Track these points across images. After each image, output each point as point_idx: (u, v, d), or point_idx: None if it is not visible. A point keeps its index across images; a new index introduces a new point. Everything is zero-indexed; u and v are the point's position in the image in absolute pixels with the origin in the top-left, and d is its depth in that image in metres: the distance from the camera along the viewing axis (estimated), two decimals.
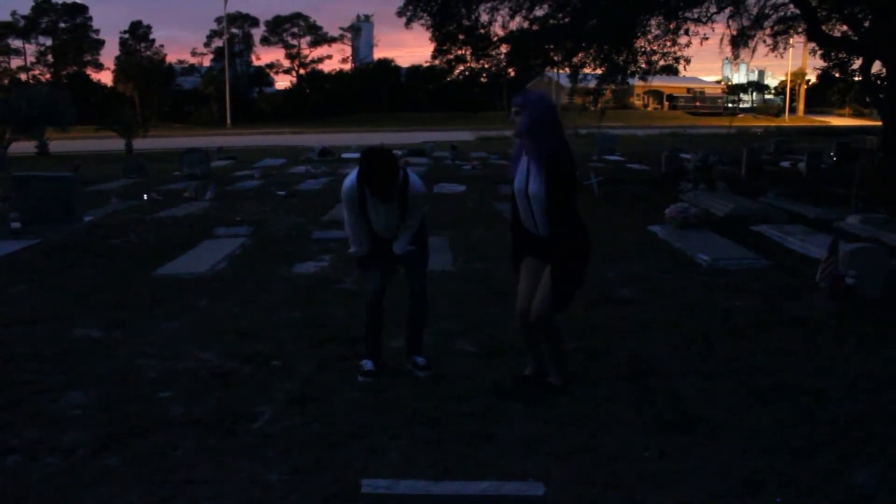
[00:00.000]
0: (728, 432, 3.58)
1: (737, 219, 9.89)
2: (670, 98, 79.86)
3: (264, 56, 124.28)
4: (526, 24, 17.83)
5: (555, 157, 3.74)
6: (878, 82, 21.34)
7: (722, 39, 19.59)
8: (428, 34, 18.44)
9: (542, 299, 3.95)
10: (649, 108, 78.44)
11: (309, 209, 11.65)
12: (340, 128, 52.76)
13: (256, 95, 76.21)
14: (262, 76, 78.92)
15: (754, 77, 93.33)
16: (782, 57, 25.35)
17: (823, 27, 18.13)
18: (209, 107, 67.73)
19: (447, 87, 61.79)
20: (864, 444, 3.44)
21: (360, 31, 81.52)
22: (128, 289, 6.62)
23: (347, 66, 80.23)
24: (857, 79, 25.51)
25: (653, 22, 17.69)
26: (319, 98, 72.40)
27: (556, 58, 19.13)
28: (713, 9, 17.70)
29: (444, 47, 18.79)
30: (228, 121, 61.19)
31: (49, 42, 71.64)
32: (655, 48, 18.42)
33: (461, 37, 18.32)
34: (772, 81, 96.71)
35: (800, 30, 19.93)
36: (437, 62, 20.01)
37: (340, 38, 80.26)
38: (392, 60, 78.60)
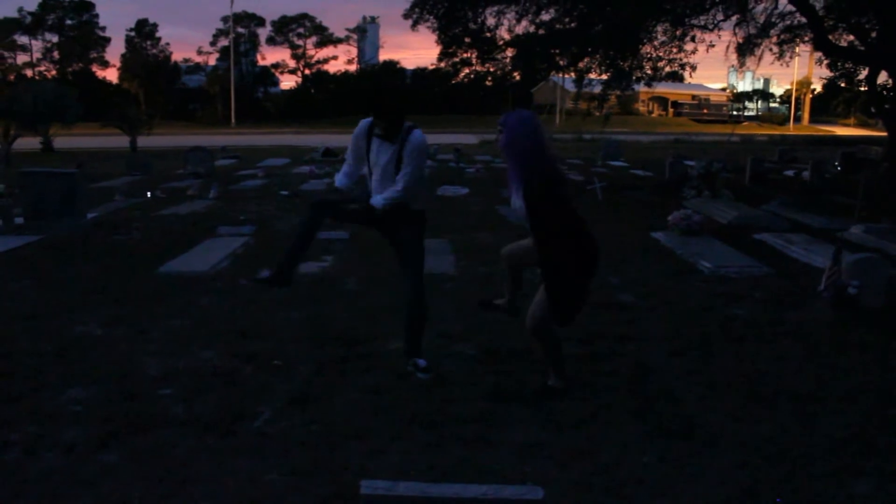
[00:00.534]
0: (728, 439, 3.58)
1: (740, 226, 9.89)
2: (675, 105, 79.83)
3: (270, 56, 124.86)
4: (532, 29, 17.84)
5: (529, 176, 3.86)
6: (884, 93, 21.31)
7: (728, 47, 19.53)
8: (434, 37, 18.48)
9: (535, 307, 4.00)
10: (654, 115, 78.39)
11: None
12: (344, 128, 52.73)
13: (261, 95, 76.27)
14: (268, 76, 78.95)
15: (760, 85, 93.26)
16: (788, 66, 25.50)
17: (830, 36, 18.10)
18: (214, 106, 67.77)
19: (452, 90, 61.93)
20: (864, 454, 3.44)
21: (366, 32, 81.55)
22: (130, 286, 6.63)
23: (353, 68, 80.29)
24: (862, 89, 25.50)
25: (659, 28, 17.69)
26: (324, 99, 72.45)
27: (561, 62, 19.12)
28: (720, 16, 17.70)
29: (450, 50, 18.81)
30: (233, 120, 61.30)
31: (55, 39, 71.79)
32: (661, 54, 18.43)
33: (467, 40, 18.34)
34: (777, 90, 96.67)
35: (806, 39, 19.88)
36: (442, 65, 20.03)
37: (346, 40, 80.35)
38: (398, 62, 78.87)
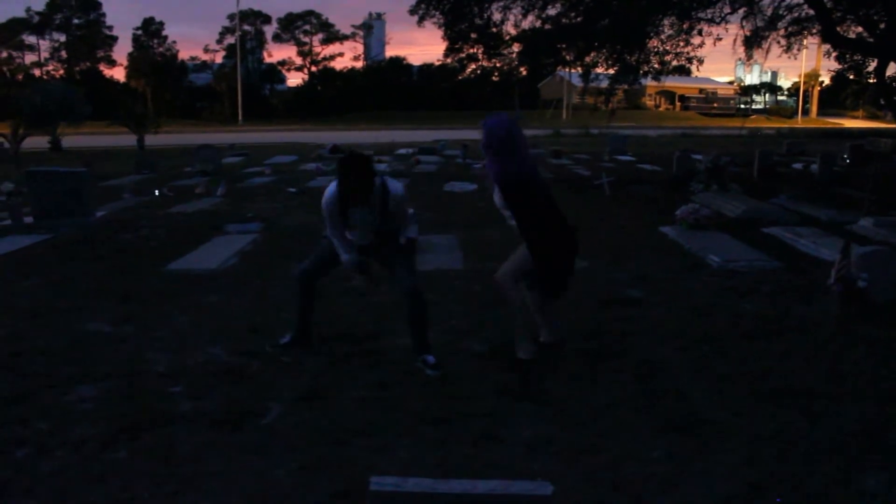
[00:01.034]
0: (736, 435, 3.57)
1: (748, 220, 9.84)
2: (682, 98, 79.55)
3: (276, 53, 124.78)
4: (538, 24, 17.80)
5: (505, 174, 4.27)
6: (893, 84, 21.18)
7: (735, 40, 19.51)
8: (440, 32, 18.44)
9: (507, 264, 4.53)
10: (661, 109, 78.15)
11: (319, 206, 11.62)
12: (352, 125, 52.82)
13: (268, 92, 76.41)
14: (274, 73, 79.10)
15: (767, 78, 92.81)
16: (796, 58, 25.38)
17: (838, 28, 17.97)
18: (221, 103, 67.97)
19: (459, 86, 61.83)
20: (873, 451, 3.42)
21: (372, 28, 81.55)
22: (138, 284, 6.65)
23: (359, 64, 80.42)
24: (871, 81, 25.33)
25: (666, 22, 17.61)
26: (331, 95, 72.55)
27: (568, 57, 19.08)
28: (727, 9, 17.59)
29: (456, 46, 18.78)
30: (240, 117, 61.41)
31: (63, 38, 72.12)
32: (668, 48, 18.35)
33: (473, 35, 18.30)
34: (785, 83, 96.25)
35: (814, 31, 19.76)
36: (448, 61, 20.01)
37: (352, 36, 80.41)
38: (404, 58, 78.80)
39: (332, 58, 79.44)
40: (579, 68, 20.00)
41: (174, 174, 17.60)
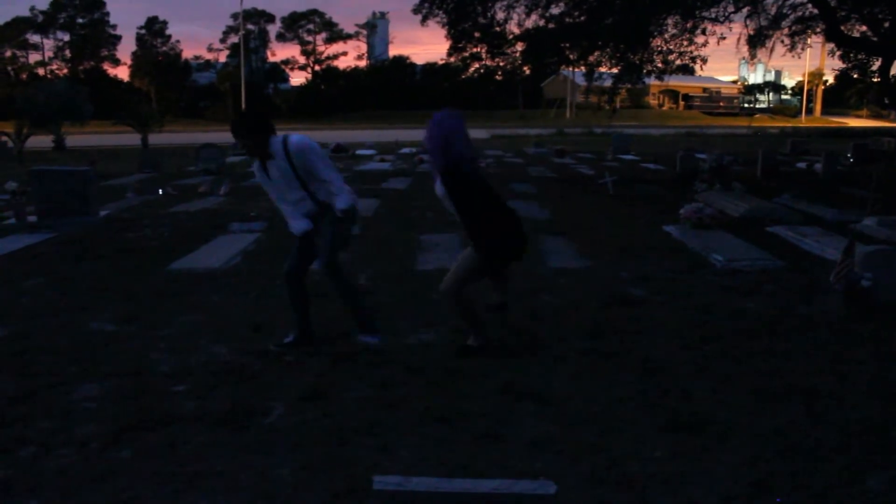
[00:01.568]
0: (740, 434, 3.56)
1: (752, 220, 9.83)
2: (686, 98, 79.44)
3: (280, 52, 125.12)
4: (542, 23, 17.81)
5: (443, 166, 4.43)
6: None
7: (739, 39, 19.42)
8: (443, 32, 18.48)
9: (448, 277, 4.57)
10: (664, 108, 78.07)
11: None
12: (355, 124, 52.86)
13: (272, 91, 76.45)
14: (278, 72, 79.15)
15: (771, 77, 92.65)
16: (800, 57, 25.30)
17: (842, 27, 17.94)
18: (224, 102, 68.04)
19: (462, 85, 61.83)
20: (877, 450, 3.41)
21: (375, 28, 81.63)
22: (142, 283, 6.67)
23: (363, 63, 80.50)
24: (875, 80, 25.24)
25: (669, 21, 17.61)
26: (334, 95, 72.64)
27: (571, 56, 19.08)
28: (731, 8, 17.60)
29: (460, 45, 18.80)
30: None
31: (67, 37, 72.23)
32: (672, 47, 18.35)
33: (476, 34, 18.31)
34: (789, 82, 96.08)
35: (818, 30, 19.72)
36: (452, 60, 20.03)
37: (356, 35, 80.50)
38: (407, 57, 78.83)
39: (335, 57, 79.56)
40: (583, 67, 19.99)
41: (178, 173, 17.63)
